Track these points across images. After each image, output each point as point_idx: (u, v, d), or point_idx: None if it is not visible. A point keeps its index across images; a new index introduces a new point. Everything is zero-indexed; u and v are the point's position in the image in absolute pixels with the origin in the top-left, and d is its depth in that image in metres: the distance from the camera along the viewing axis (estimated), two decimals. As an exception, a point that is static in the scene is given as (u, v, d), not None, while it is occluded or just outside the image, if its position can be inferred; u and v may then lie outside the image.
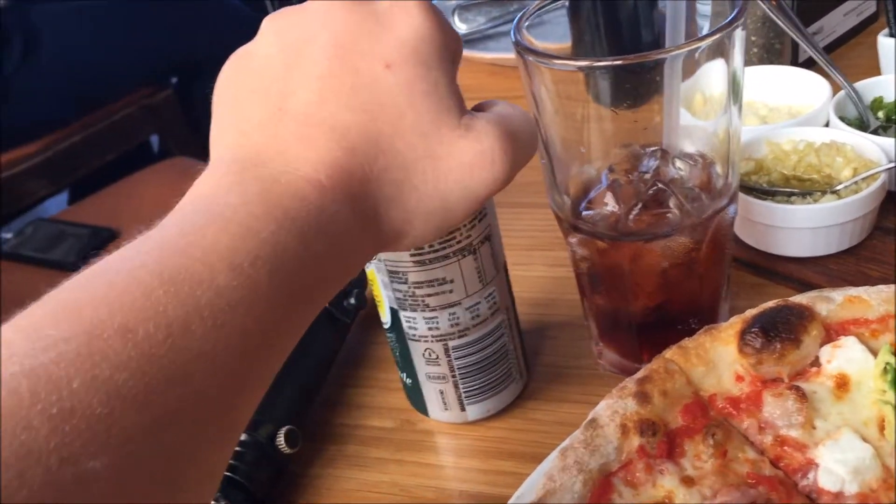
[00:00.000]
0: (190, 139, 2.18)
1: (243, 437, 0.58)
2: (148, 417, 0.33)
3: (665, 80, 0.55)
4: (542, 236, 0.80)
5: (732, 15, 0.52)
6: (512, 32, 0.57)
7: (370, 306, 0.75)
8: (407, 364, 0.61)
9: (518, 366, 0.63)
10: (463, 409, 0.62)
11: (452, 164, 0.44)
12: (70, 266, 1.55)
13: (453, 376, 0.60)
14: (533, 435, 0.62)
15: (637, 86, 0.56)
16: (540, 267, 0.78)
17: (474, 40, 1.19)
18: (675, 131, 0.58)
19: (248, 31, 0.48)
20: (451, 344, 0.58)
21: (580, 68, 0.55)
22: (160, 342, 0.34)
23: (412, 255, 0.55)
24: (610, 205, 0.57)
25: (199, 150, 2.13)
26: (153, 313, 0.35)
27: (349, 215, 0.42)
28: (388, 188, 0.43)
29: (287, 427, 0.60)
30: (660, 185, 0.57)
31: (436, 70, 0.44)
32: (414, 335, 0.59)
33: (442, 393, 0.61)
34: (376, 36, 0.43)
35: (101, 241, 1.62)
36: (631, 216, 0.56)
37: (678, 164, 0.58)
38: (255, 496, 0.58)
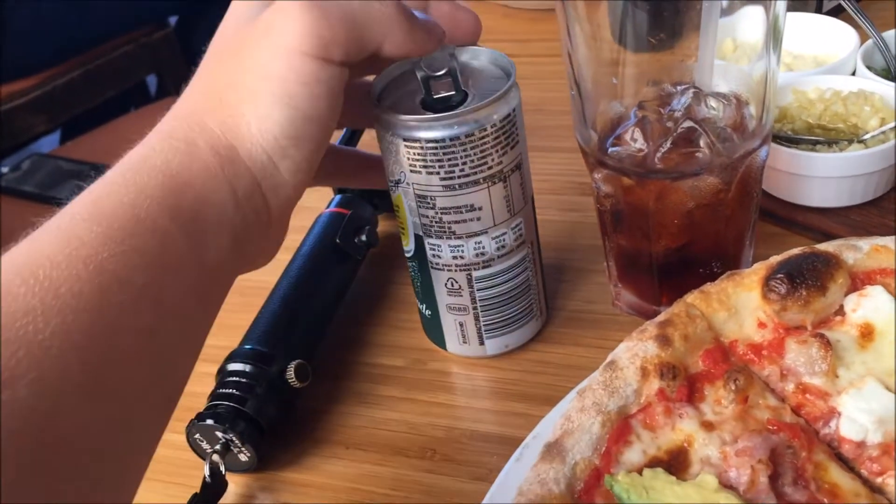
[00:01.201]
0: (189, 80, 2.14)
1: (253, 369, 0.57)
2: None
3: (703, 15, 0.53)
4: (556, 180, 0.78)
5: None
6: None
7: (382, 245, 0.74)
8: (427, 294, 0.60)
9: (539, 302, 0.62)
10: (482, 343, 0.61)
11: (251, 37, 0.45)
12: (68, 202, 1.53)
13: (474, 308, 0.59)
14: (546, 377, 0.61)
15: (673, 21, 0.54)
16: (553, 211, 0.76)
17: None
18: (708, 70, 0.56)
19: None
20: (474, 274, 0.57)
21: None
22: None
23: (442, 180, 0.53)
24: (638, 141, 0.56)
25: (198, 90, 2.10)
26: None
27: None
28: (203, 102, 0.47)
29: (297, 361, 0.59)
30: (690, 123, 0.55)
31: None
32: (437, 264, 0.57)
33: (462, 325, 0.60)
34: None
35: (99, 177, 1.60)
36: (659, 154, 0.55)
37: (710, 102, 0.56)
38: (263, 429, 0.57)
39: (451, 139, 0.52)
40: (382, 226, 0.76)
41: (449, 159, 0.53)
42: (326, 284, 0.66)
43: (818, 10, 0.92)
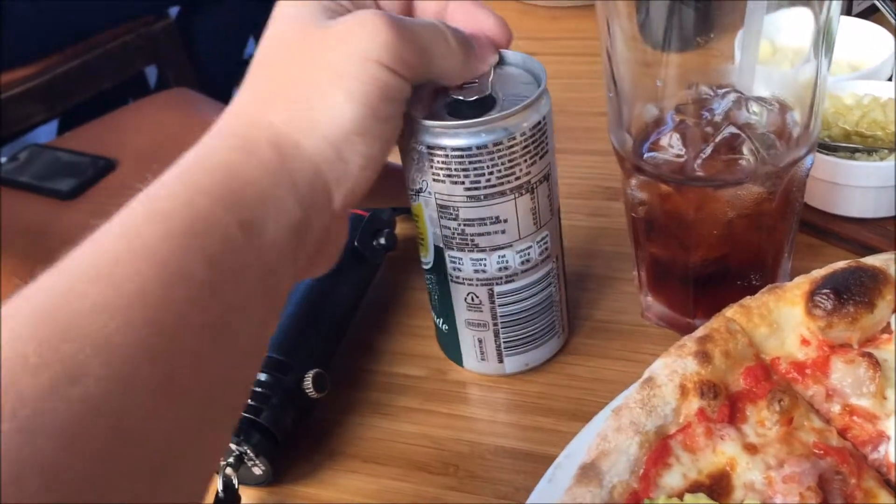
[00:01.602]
0: (189, 71, 2.12)
1: (269, 378, 0.55)
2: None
3: (747, 14, 0.50)
4: (582, 184, 0.76)
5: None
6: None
7: (399, 248, 0.71)
8: (445, 309, 0.57)
9: (561, 319, 0.59)
10: (501, 361, 0.58)
11: (328, 41, 0.45)
12: (67, 195, 1.50)
13: (495, 324, 0.56)
14: (573, 391, 0.58)
15: (715, 21, 0.52)
16: (579, 216, 0.73)
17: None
18: (750, 72, 0.53)
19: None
20: (496, 289, 0.54)
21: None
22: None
23: (466, 190, 0.50)
24: (676, 147, 0.53)
25: (197, 82, 2.07)
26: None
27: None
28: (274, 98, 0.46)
29: (315, 370, 0.56)
30: (733, 129, 0.52)
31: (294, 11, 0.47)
32: (458, 277, 0.55)
33: (480, 342, 0.57)
34: None
35: (98, 170, 1.57)
36: (699, 160, 0.52)
37: (752, 107, 0.54)
38: (278, 441, 0.54)
39: (478, 147, 0.50)
40: (401, 228, 0.74)
41: (475, 169, 0.50)
42: (344, 290, 0.63)
43: (847, 13, 0.90)
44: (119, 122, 1.83)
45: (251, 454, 0.52)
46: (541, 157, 0.52)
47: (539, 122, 0.51)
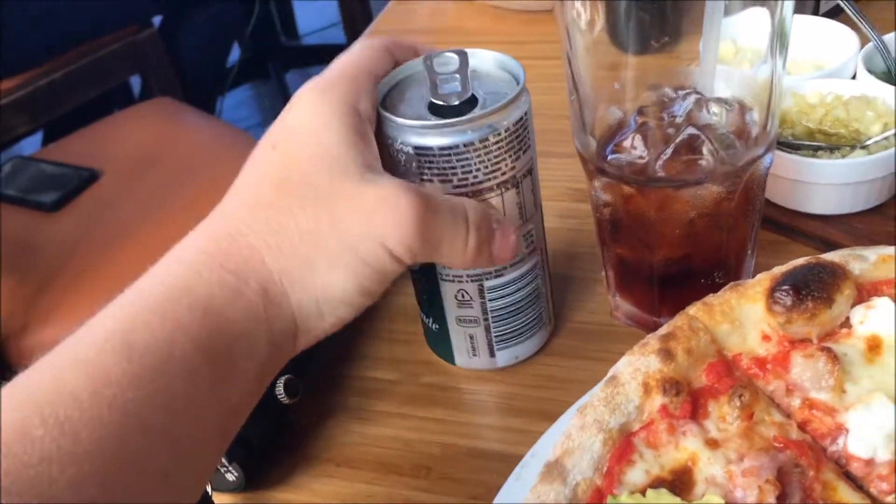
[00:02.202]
0: (173, 80, 2.13)
1: (241, 385, 0.55)
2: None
3: (706, 17, 0.51)
4: (553, 186, 0.76)
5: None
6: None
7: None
8: (435, 308, 0.58)
9: (548, 310, 0.61)
10: (493, 356, 0.59)
11: (353, 207, 0.45)
12: (51, 206, 1.50)
13: (485, 320, 0.57)
14: (546, 391, 0.59)
15: (674, 23, 0.53)
16: (551, 217, 0.74)
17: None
18: (710, 74, 0.54)
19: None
20: (486, 284, 0.55)
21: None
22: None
23: (455, 187, 0.51)
24: (638, 149, 0.54)
25: (181, 92, 2.08)
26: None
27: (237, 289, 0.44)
28: (270, 237, 0.45)
29: (286, 376, 0.57)
30: (693, 130, 0.53)
31: (325, 133, 0.46)
32: (447, 275, 0.55)
33: (472, 338, 0.58)
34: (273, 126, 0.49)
35: (82, 181, 1.57)
36: (660, 161, 0.53)
37: (713, 108, 0.55)
38: (251, 447, 0.55)
39: (465, 145, 0.50)
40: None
41: (462, 166, 0.51)
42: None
43: (815, 12, 0.91)
44: (103, 132, 1.83)
45: (224, 461, 0.53)
46: (524, 152, 0.53)
47: (521, 118, 0.52)
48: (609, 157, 0.56)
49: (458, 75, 0.52)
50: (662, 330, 0.52)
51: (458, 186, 0.52)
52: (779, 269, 0.53)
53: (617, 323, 0.63)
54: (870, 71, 0.74)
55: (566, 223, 0.74)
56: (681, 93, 0.57)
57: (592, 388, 0.52)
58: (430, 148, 0.50)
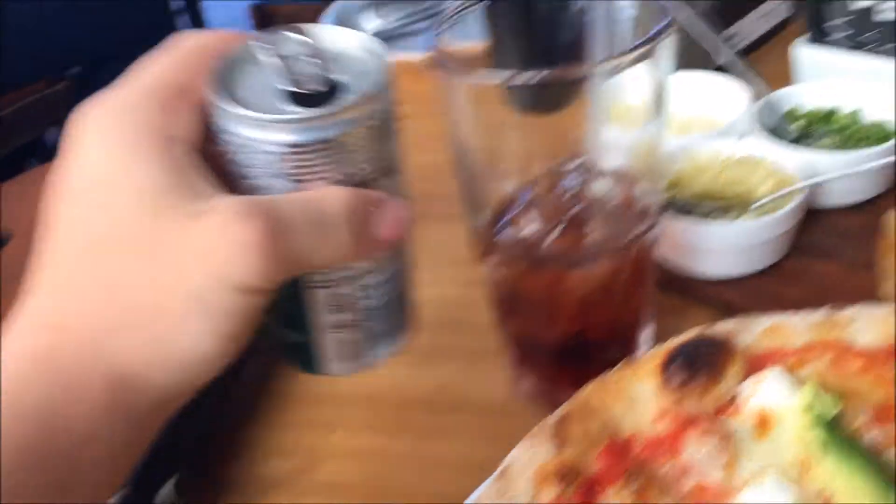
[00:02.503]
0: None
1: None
2: None
3: (590, 93, 0.51)
4: (451, 251, 0.75)
5: (661, 26, 0.49)
6: (430, 39, 0.53)
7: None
8: (297, 318, 0.51)
9: (412, 307, 0.55)
10: (360, 358, 0.53)
11: (184, 251, 0.38)
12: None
13: (354, 322, 0.51)
14: (437, 483, 0.58)
15: (560, 93, 0.52)
16: (449, 286, 0.73)
17: (387, 38, 1.14)
18: (599, 145, 0.54)
19: (158, 22, 0.43)
20: (353, 286, 0.49)
21: (500, 83, 0.50)
22: None
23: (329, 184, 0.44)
24: (529, 226, 0.54)
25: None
26: None
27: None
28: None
29: (176, 477, 0.54)
30: (580, 207, 0.53)
31: (135, 166, 0.39)
32: (313, 281, 0.49)
33: (340, 342, 0.52)
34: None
35: (-9, 244, 1.51)
36: (550, 239, 0.53)
37: (601, 181, 0.55)
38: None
39: (323, 142, 0.43)
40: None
41: (323, 163, 0.43)
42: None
43: (710, 66, 0.92)
44: (14, 191, 1.78)
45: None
46: (388, 147, 0.47)
47: (386, 110, 0.46)
48: (501, 234, 0.56)
49: (313, 57, 0.44)
50: (557, 413, 0.51)
51: (337, 183, 0.44)
52: (671, 343, 0.53)
53: (516, 399, 0.62)
54: (763, 126, 0.76)
55: (463, 290, 0.73)
56: (572, 164, 0.57)
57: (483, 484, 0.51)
58: (282, 144, 0.43)
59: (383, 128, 0.46)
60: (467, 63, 0.59)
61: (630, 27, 0.59)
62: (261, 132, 0.42)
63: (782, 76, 0.84)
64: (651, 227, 0.55)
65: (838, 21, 0.76)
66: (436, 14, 1.14)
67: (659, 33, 0.48)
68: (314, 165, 0.44)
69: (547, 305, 0.55)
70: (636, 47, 0.48)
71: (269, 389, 0.67)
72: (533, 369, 0.61)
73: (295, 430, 0.63)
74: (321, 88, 0.44)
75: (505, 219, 0.56)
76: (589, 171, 0.56)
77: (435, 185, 0.85)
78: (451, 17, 0.54)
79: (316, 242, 0.41)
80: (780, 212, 0.64)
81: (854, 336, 0.52)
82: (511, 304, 0.58)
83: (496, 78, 0.49)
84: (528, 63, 0.68)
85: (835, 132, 0.75)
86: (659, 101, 0.52)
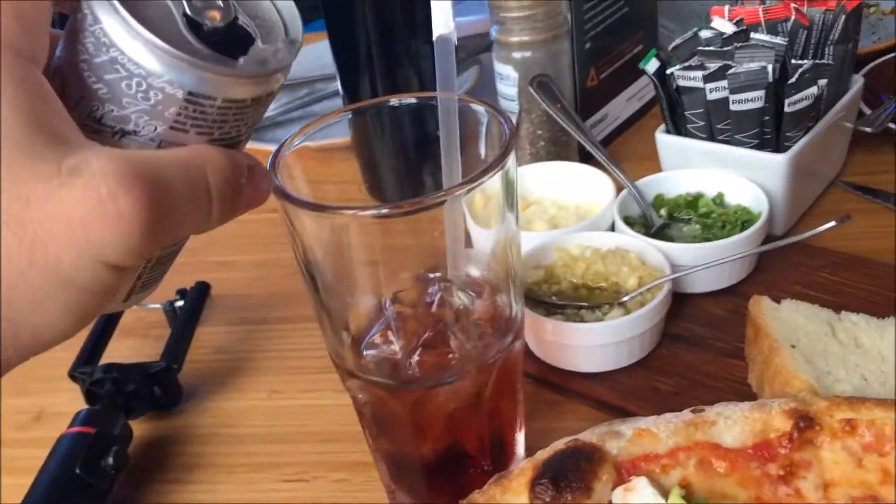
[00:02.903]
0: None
1: None
2: None
3: (445, 216, 0.51)
4: (323, 355, 0.74)
5: (503, 149, 0.49)
6: (269, 166, 0.51)
7: (138, 457, 0.67)
8: None
9: None
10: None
11: (55, 225, 0.33)
12: None
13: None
14: None
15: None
16: (329, 394, 0.72)
17: (262, 128, 1.12)
18: (459, 261, 0.54)
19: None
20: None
21: (351, 217, 0.49)
22: None
23: (210, 141, 0.40)
24: (392, 344, 0.53)
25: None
26: None
27: None
28: None
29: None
30: (440, 326, 0.53)
31: None
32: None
33: None
34: None
35: None
36: (412, 359, 0.52)
37: (461, 295, 0.54)
38: None
39: (233, 101, 0.39)
40: (140, 430, 0.69)
41: (215, 119, 0.39)
42: (65, 526, 0.58)
43: (580, 152, 0.95)
44: None
45: None
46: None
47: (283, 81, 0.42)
48: (364, 353, 0.54)
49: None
50: (426, 541, 0.50)
51: (214, 140, 0.40)
52: (540, 456, 0.53)
53: (395, 515, 0.61)
54: (628, 217, 0.77)
55: (346, 400, 0.71)
56: (433, 276, 0.56)
57: None
58: (206, 95, 0.38)
59: (275, 94, 0.42)
60: (327, 159, 0.58)
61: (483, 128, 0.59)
62: (166, 68, 0.37)
63: (654, 155, 0.86)
64: (514, 341, 0.55)
65: (696, 111, 0.78)
66: (311, 103, 1.13)
67: (505, 152, 0.49)
68: (205, 119, 0.39)
69: (413, 424, 0.54)
70: (489, 167, 0.48)
71: None
72: (407, 484, 0.59)
73: None
74: (228, 31, 0.39)
75: (369, 336, 0.55)
76: (449, 286, 0.55)
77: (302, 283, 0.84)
78: (301, 135, 0.54)
79: (191, 212, 0.37)
80: (648, 306, 0.65)
81: (719, 436, 0.53)
82: (379, 424, 0.56)
83: (345, 214, 0.48)
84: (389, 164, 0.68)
85: (701, 217, 0.77)
86: (508, 198, 0.52)
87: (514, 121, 0.86)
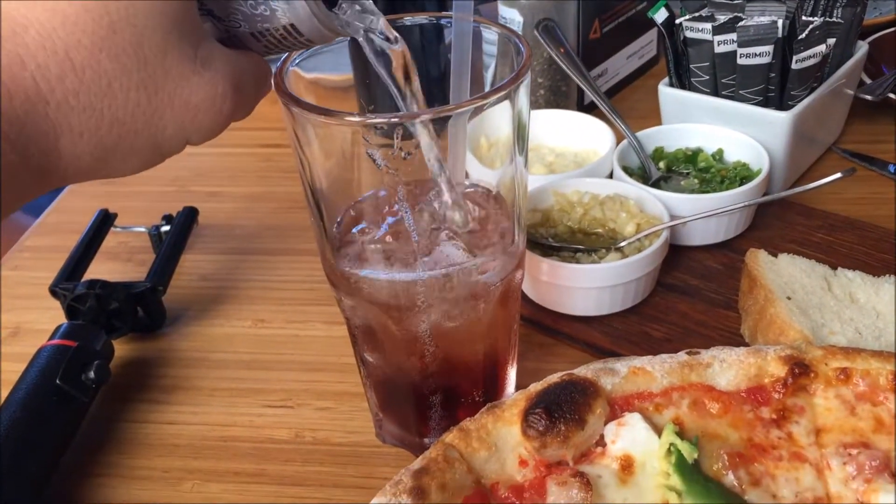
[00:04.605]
0: None
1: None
2: None
3: (449, 135, 0.50)
4: (321, 288, 0.73)
5: (516, 72, 0.48)
6: (274, 76, 0.49)
7: (119, 375, 0.65)
8: None
9: None
10: None
11: (176, 102, 0.39)
12: None
13: None
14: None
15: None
16: (318, 325, 0.71)
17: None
18: (461, 187, 0.53)
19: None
20: None
21: (356, 124, 0.48)
22: None
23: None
24: (395, 240, 0.51)
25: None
26: None
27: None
28: (75, 117, 0.36)
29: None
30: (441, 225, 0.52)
31: None
32: None
33: None
34: None
35: None
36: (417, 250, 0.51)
37: (460, 210, 0.53)
38: None
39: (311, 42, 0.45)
40: (121, 350, 0.68)
41: (288, 49, 0.46)
42: (44, 436, 0.56)
43: (579, 104, 0.94)
44: None
45: None
46: None
47: None
48: (366, 246, 0.52)
49: None
50: (416, 464, 0.49)
51: (264, 53, 0.45)
52: (534, 388, 0.52)
53: (379, 443, 0.60)
54: (627, 167, 0.77)
55: (333, 331, 0.70)
56: (431, 194, 0.55)
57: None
58: (301, 35, 0.43)
59: None
60: (330, 93, 0.57)
61: (493, 64, 0.59)
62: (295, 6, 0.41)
63: (652, 113, 0.86)
64: (517, 268, 0.54)
65: (701, 64, 0.77)
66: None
67: (518, 74, 0.47)
68: (281, 43, 0.44)
69: (408, 344, 0.53)
70: (496, 89, 0.47)
71: (120, 437, 0.62)
72: (396, 413, 0.58)
73: (138, 482, 0.58)
74: None
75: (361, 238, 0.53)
76: (448, 201, 0.54)
77: (302, 216, 0.82)
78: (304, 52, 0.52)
79: (245, 111, 0.43)
80: (645, 252, 0.65)
81: (713, 378, 0.53)
82: (372, 345, 0.55)
83: (352, 120, 0.47)
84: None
85: (699, 172, 0.77)
86: (519, 139, 0.51)
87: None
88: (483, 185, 0.55)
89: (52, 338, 0.62)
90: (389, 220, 0.53)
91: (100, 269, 0.76)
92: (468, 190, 0.56)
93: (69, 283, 0.69)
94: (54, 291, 0.69)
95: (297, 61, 0.52)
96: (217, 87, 0.40)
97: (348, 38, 0.56)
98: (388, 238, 0.52)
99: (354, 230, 0.53)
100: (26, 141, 0.34)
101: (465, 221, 0.53)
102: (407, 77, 0.49)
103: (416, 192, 0.54)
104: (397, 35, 0.47)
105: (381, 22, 0.46)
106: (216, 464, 0.59)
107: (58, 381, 0.58)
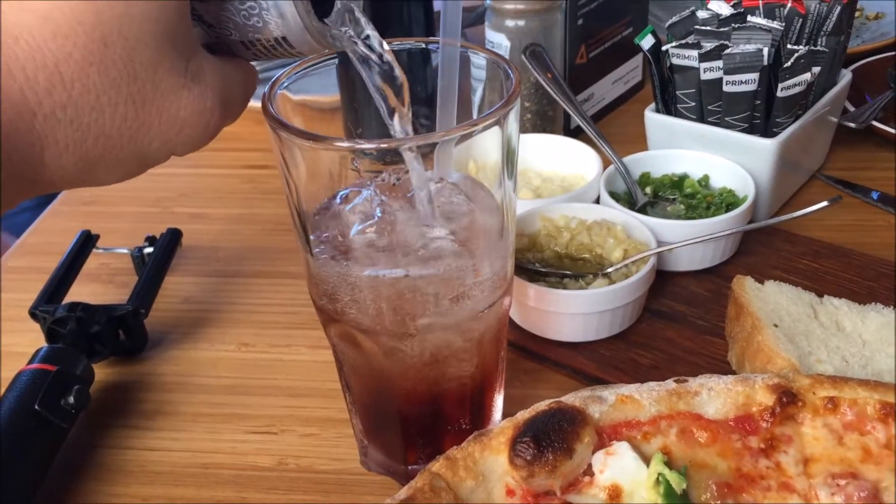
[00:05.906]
0: None
1: None
2: None
3: (435, 162, 0.49)
4: (305, 312, 0.72)
5: (506, 98, 0.48)
6: (262, 100, 0.49)
7: (98, 401, 0.64)
8: None
9: None
10: None
11: (164, 116, 0.39)
12: None
13: None
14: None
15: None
16: (302, 349, 0.70)
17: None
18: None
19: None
20: None
21: (344, 150, 0.48)
22: None
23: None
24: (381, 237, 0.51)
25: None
26: None
27: None
28: (61, 130, 0.35)
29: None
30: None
31: None
32: None
33: None
34: None
35: None
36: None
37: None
38: None
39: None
40: (102, 374, 0.67)
41: (281, 54, 0.45)
42: (22, 463, 0.55)
43: (566, 128, 0.94)
44: None
45: None
46: None
47: None
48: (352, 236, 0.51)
49: None
50: (402, 494, 0.48)
51: (253, 60, 0.45)
52: (522, 416, 0.52)
53: (364, 470, 0.59)
54: (614, 192, 0.77)
55: (317, 355, 0.69)
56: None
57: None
58: (293, 48, 0.43)
59: None
60: (318, 115, 0.57)
61: (481, 88, 0.59)
62: (290, 22, 0.41)
63: (638, 138, 0.86)
64: (504, 294, 0.53)
65: (687, 91, 0.78)
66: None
67: (507, 100, 0.47)
68: (271, 52, 0.44)
69: (394, 371, 0.52)
70: (485, 116, 0.46)
71: (100, 463, 0.61)
72: (381, 440, 0.58)
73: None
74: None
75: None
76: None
77: (287, 238, 0.82)
78: (294, 74, 0.52)
79: (231, 120, 0.43)
80: (632, 278, 0.65)
81: (701, 407, 0.52)
82: (357, 373, 0.55)
83: (340, 145, 0.47)
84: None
85: (685, 197, 0.77)
86: (508, 164, 0.51)
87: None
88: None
89: (31, 361, 0.61)
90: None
91: (81, 292, 0.75)
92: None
93: (50, 305, 0.68)
94: (34, 314, 0.68)
95: (285, 84, 0.52)
96: (206, 102, 0.40)
97: (337, 59, 0.57)
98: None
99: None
100: (11, 151, 0.34)
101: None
102: (398, 93, 0.48)
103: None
104: (389, 49, 0.47)
105: (373, 35, 0.46)
106: (197, 492, 0.58)
107: (36, 407, 0.57)
